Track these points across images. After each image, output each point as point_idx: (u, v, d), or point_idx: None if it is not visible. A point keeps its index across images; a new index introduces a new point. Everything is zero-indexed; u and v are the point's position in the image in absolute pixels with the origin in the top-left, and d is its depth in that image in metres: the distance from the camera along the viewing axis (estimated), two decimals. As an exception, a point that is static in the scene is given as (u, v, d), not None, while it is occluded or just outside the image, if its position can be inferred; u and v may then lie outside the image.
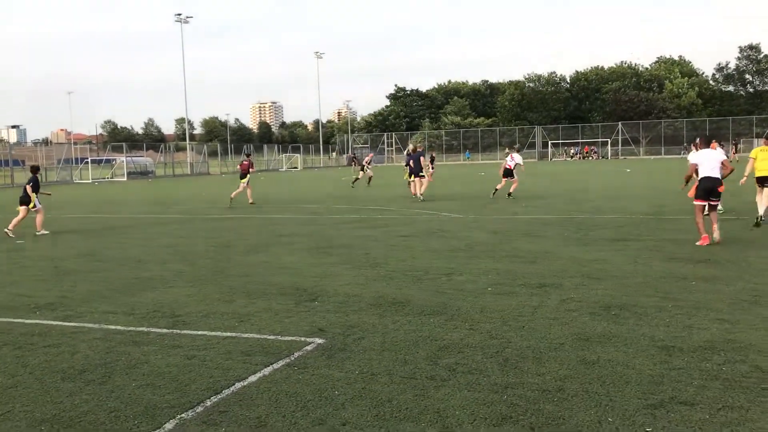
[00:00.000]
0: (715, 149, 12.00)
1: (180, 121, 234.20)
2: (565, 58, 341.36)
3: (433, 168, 27.74)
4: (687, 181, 11.73)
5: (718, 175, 10.94)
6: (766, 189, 13.48)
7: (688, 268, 8.70)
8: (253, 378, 4.90)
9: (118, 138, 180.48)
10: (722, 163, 11.09)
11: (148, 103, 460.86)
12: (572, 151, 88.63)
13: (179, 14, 66.96)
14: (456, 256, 10.25)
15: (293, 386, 4.71)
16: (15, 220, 14.96)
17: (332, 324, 6.37)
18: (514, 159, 22.32)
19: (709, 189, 10.87)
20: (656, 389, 4.46)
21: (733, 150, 58.89)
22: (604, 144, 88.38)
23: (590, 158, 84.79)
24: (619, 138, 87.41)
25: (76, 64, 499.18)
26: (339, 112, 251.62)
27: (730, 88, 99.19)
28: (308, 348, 5.63)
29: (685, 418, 3.98)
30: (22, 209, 15.05)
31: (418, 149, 24.61)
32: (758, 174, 13.59)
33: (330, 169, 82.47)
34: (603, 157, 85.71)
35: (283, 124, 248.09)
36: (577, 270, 8.82)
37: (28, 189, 15.17)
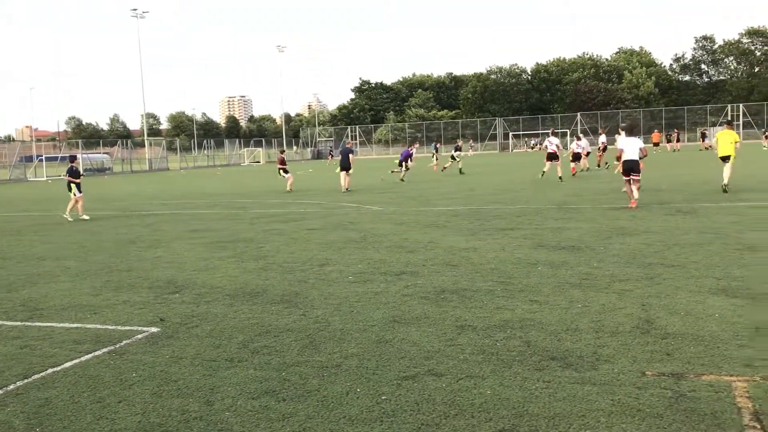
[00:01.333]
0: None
1: (147, 116, 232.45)
2: (530, 51, 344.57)
3: (455, 158, 33.67)
4: (618, 160, 15.54)
5: (636, 158, 14.79)
6: (726, 164, 17.22)
7: (545, 255, 9.27)
8: (68, 364, 5.31)
9: (82, 134, 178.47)
10: (640, 149, 14.98)
11: (114, 98, 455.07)
12: (533, 142, 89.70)
13: (135, 9, 66.54)
14: (343, 248, 10.71)
15: (99, 370, 5.13)
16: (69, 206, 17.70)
17: (177, 314, 6.79)
18: (552, 143, 25.30)
19: (628, 168, 14.87)
20: (421, 363, 4.96)
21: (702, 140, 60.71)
22: (564, 135, 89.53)
23: (538, 149, 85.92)
24: (578, 128, 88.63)
25: (39, 58, 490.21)
26: (309, 106, 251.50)
27: (687, 77, 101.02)
28: (139, 336, 6.05)
29: (425, 387, 4.48)
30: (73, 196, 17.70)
31: (347, 146, 25.52)
32: (720, 154, 17.55)
33: (293, 163, 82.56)
34: (564, 147, 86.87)
35: (251, 118, 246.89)
36: (444, 258, 9.34)
37: (68, 178, 17.82)
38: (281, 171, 26.13)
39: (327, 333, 5.89)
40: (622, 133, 17.39)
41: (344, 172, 23.85)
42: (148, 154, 66.86)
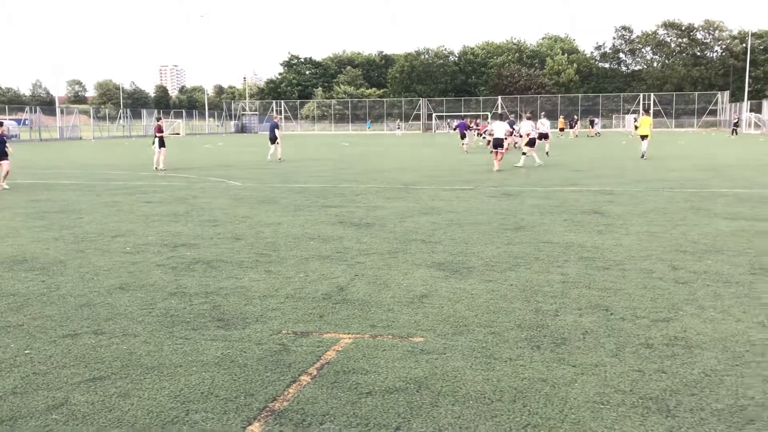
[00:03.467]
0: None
1: (71, 83, 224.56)
2: (463, 32, 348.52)
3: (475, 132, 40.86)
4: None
5: (502, 137, 21.08)
6: (645, 141, 25.52)
7: (334, 230, 9.93)
8: None
9: (1, 99, 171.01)
10: (506, 132, 22.14)
11: (37, 63, 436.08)
12: (454, 123, 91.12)
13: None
14: (158, 221, 11.13)
15: None
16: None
17: (-74, 278, 7.14)
18: (545, 124, 28.51)
19: (495, 144, 21.05)
20: (89, 320, 5.51)
21: (590, 127, 63.61)
22: (485, 117, 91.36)
23: (470, 130, 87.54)
24: (499, 112, 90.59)
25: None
26: (244, 78, 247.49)
27: (607, 65, 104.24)
28: None
29: (88, 343, 5.04)
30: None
31: (274, 120, 28.44)
32: (640, 133, 25.80)
33: (215, 135, 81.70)
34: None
35: (182, 89, 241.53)
36: (236, 232, 9.89)
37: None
38: (156, 140, 22.96)
39: (46, 298, 6.36)
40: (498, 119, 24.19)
41: (273, 144, 27.10)
42: (58, 122, 64.91)
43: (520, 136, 25.25)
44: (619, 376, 4.27)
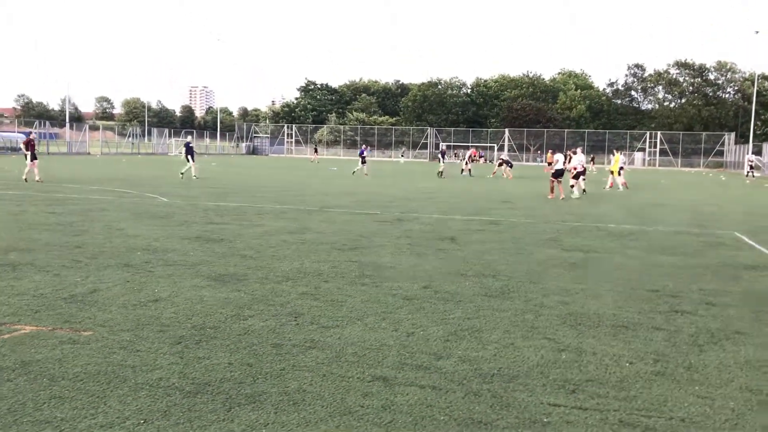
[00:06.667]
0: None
1: (100, 100, 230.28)
2: (479, 64, 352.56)
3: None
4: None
5: (563, 167, 23.69)
6: (617, 176, 30.14)
7: (181, 244, 10.63)
8: None
9: (31, 113, 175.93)
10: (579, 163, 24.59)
11: (70, 79, 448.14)
12: (460, 154, 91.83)
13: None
14: (33, 229, 11.94)
15: None
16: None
17: None
18: (579, 160, 25.45)
19: (556, 174, 23.40)
20: None
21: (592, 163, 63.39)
22: (492, 149, 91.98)
23: (476, 162, 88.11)
24: (506, 144, 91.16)
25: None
26: (273, 101, 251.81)
27: (618, 102, 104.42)
28: None
29: None
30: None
31: (189, 143, 30.26)
32: (613, 168, 30.81)
33: (223, 156, 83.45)
34: (490, 162, 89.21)
35: (208, 110, 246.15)
36: (121, 243, 10.62)
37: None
38: (27, 154, 24.30)
39: None
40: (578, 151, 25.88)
41: (192, 163, 29.91)
42: (67, 136, 66.97)
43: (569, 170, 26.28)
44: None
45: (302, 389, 4.53)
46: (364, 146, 41.16)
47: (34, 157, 24.34)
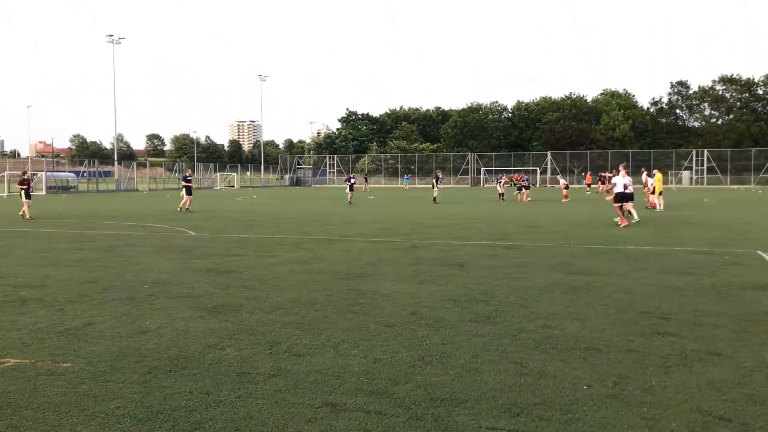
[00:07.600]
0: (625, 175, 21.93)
1: (151, 137, 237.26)
2: (522, 87, 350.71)
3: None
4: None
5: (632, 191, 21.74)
6: (660, 195, 29.41)
7: (189, 277, 10.95)
8: None
9: (85, 152, 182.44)
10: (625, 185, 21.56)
11: (121, 118, 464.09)
12: (503, 179, 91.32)
13: (111, 35, 69.44)
14: (24, 256, 12.45)
15: None
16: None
17: None
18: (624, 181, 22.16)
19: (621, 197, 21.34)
20: None
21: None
22: (534, 172, 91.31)
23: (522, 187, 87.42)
24: (548, 167, 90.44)
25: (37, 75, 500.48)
26: (318, 133, 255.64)
27: (663, 121, 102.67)
28: None
29: None
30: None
31: (188, 175, 31.40)
32: (658, 189, 29.31)
33: (267, 188, 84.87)
34: (533, 185, 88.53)
35: (255, 143, 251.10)
36: (133, 277, 11.03)
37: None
38: (22, 193, 25.42)
39: None
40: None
41: (188, 196, 30.07)
42: (116, 174, 69.18)
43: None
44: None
45: (249, 416, 4.66)
46: (351, 175, 43.32)
47: (27, 196, 25.00)
